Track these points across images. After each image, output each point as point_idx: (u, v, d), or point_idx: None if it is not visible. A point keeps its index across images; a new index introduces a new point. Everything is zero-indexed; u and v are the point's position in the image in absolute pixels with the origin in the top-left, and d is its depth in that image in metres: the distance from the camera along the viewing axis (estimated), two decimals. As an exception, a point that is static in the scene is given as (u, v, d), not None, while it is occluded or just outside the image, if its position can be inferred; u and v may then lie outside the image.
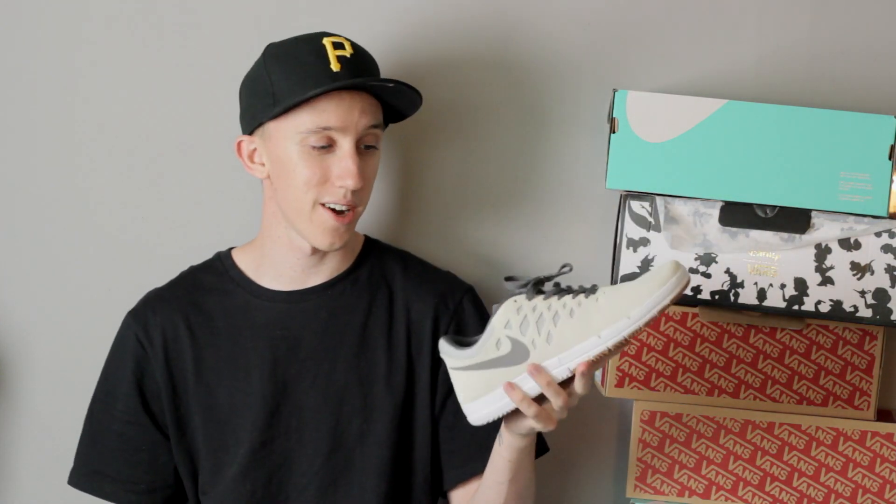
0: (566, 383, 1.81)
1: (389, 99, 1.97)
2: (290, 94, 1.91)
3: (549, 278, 1.84)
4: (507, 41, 2.18)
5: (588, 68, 2.18)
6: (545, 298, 1.82)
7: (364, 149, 1.95)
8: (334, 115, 1.92)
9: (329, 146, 1.93)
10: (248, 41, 2.13)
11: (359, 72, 1.94)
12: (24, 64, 2.20)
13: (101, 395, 2.05)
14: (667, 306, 1.77)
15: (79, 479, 2.06)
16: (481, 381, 1.84)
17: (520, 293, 1.84)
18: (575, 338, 1.79)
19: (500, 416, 1.84)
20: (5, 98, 2.21)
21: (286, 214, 1.97)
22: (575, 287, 1.84)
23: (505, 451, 1.90)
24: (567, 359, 1.80)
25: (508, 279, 1.86)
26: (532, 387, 1.81)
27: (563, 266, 1.84)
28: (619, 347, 1.80)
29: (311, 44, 1.95)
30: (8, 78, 2.20)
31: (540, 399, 1.81)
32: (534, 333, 1.81)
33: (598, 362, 1.81)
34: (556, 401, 1.80)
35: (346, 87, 1.92)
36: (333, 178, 1.93)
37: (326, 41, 1.94)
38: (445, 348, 1.85)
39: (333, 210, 1.94)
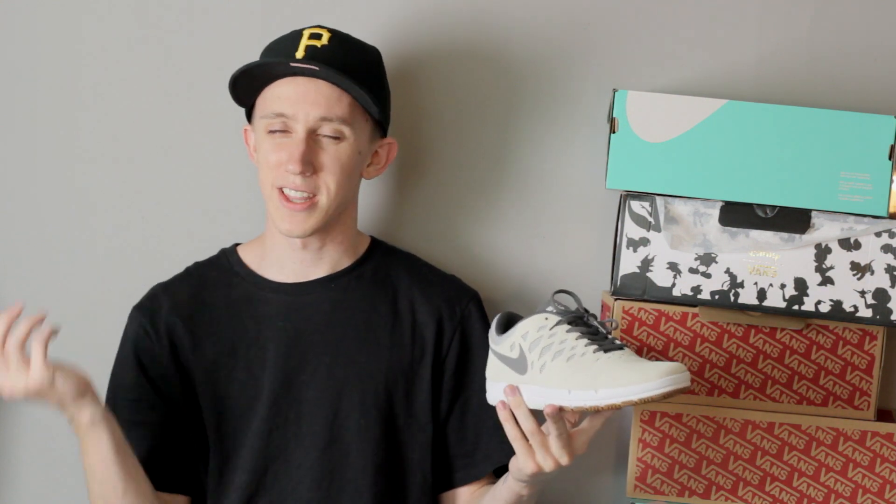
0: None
1: (349, 91, 1.96)
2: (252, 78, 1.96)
3: (590, 318, 1.85)
4: (506, 41, 2.18)
5: (588, 68, 2.18)
6: (568, 331, 1.83)
7: (325, 138, 1.95)
8: (287, 101, 1.94)
9: (287, 132, 1.95)
10: (248, 39, 2.13)
11: (322, 62, 1.94)
12: (23, 63, 2.20)
13: (115, 391, 2.03)
14: (636, 403, 1.76)
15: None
16: (496, 368, 1.88)
17: (555, 313, 1.85)
18: (556, 382, 1.81)
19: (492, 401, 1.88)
20: (5, 98, 2.21)
21: (265, 201, 1.99)
22: (610, 335, 1.85)
23: (505, 491, 1.92)
24: (545, 395, 1.81)
25: (560, 292, 1.88)
26: (525, 399, 1.83)
27: (611, 322, 1.86)
28: (586, 411, 1.80)
29: (294, 34, 1.98)
30: (8, 78, 2.20)
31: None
32: (536, 356, 1.83)
33: (586, 421, 1.82)
34: (526, 424, 1.81)
35: (261, 67, 1.94)
36: (284, 163, 1.95)
37: (307, 31, 1.97)
38: (493, 325, 1.90)
39: (287, 197, 1.95)
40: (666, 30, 2.17)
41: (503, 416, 1.83)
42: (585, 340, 1.82)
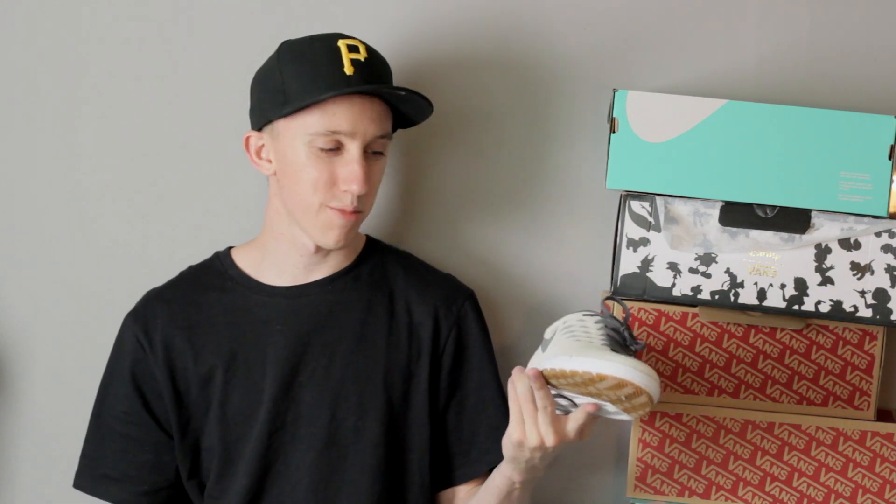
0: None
1: (400, 106, 1.97)
2: (301, 94, 1.91)
3: (623, 331, 1.87)
4: (506, 41, 2.18)
5: (588, 68, 2.18)
6: (600, 326, 1.87)
7: (371, 154, 1.95)
8: (344, 119, 1.91)
9: (337, 149, 1.93)
10: (252, 40, 2.13)
11: (372, 77, 1.93)
12: (24, 63, 2.20)
13: (104, 398, 2.06)
14: (594, 378, 1.77)
15: (84, 482, 2.06)
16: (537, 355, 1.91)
17: (600, 315, 1.88)
18: (553, 352, 1.84)
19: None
20: (5, 98, 2.21)
21: (292, 212, 1.97)
22: (625, 344, 1.86)
23: (498, 478, 1.94)
24: (538, 364, 1.85)
25: (611, 298, 1.95)
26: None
27: (640, 343, 1.88)
28: (557, 375, 1.82)
29: (325, 45, 1.94)
30: (8, 78, 2.20)
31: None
32: (558, 336, 1.87)
33: (576, 411, 1.83)
34: (522, 391, 1.83)
35: (358, 93, 1.91)
36: (339, 182, 1.93)
37: (341, 43, 1.94)
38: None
39: (341, 210, 1.94)
40: (666, 30, 2.17)
41: (509, 387, 1.86)
42: (605, 339, 1.84)
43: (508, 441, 1.86)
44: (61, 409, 2.22)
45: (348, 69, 1.92)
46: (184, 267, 2.09)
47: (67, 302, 2.22)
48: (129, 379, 2.03)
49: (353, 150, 1.93)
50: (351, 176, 1.92)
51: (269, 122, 1.96)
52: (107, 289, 2.21)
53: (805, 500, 2.08)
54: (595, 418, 1.84)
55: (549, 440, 1.82)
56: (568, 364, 1.79)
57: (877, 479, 2.08)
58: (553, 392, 1.84)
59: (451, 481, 2.06)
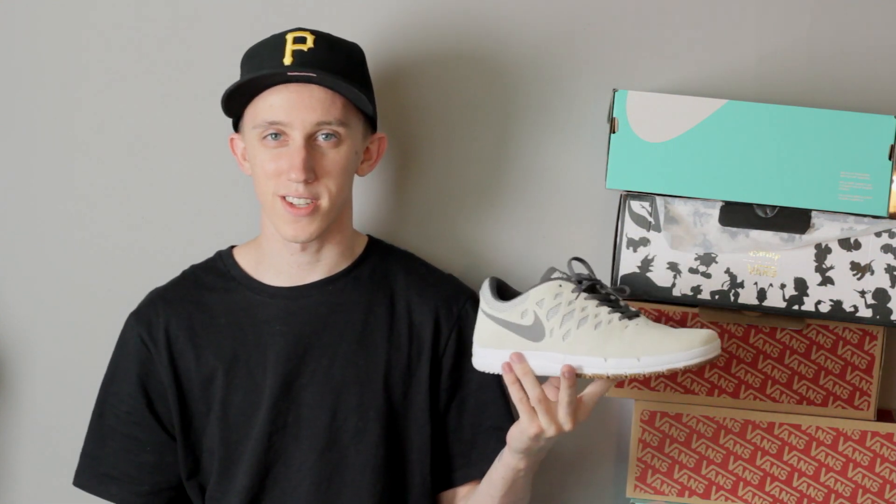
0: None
1: (346, 94, 1.95)
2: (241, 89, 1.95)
3: (603, 286, 1.88)
4: (507, 41, 2.18)
5: (588, 68, 2.18)
6: (587, 298, 1.85)
7: (323, 141, 1.95)
8: (280, 109, 1.93)
9: (283, 140, 1.94)
10: (246, 41, 2.13)
11: (311, 66, 1.93)
12: (23, 64, 2.20)
13: (106, 397, 2.05)
14: (680, 370, 1.79)
15: (84, 480, 2.06)
16: (496, 336, 1.89)
17: (569, 281, 1.87)
18: (585, 349, 1.83)
19: (494, 372, 1.89)
20: (6, 99, 2.21)
21: (262, 209, 1.98)
22: (622, 301, 1.87)
23: (502, 469, 1.94)
24: (572, 362, 1.83)
25: (575, 259, 1.91)
26: (536, 365, 1.85)
27: (622, 289, 1.89)
28: (619, 378, 1.84)
29: (276, 39, 1.97)
30: (8, 78, 2.20)
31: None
32: (556, 324, 1.85)
33: (594, 385, 1.85)
34: (532, 391, 1.84)
35: (287, 81, 1.92)
36: (284, 171, 1.94)
37: (290, 35, 1.95)
38: (485, 291, 1.91)
39: (291, 203, 1.95)
40: (666, 30, 2.17)
41: (509, 379, 1.86)
42: (607, 308, 1.85)
43: (522, 435, 1.87)
44: (61, 409, 2.22)
45: (287, 59, 1.93)
46: (185, 266, 2.09)
47: (67, 302, 2.22)
48: (133, 379, 2.03)
49: (295, 138, 1.93)
50: (289, 164, 1.93)
51: (239, 121, 2.00)
52: (107, 288, 2.21)
53: (805, 500, 2.08)
54: None
55: (568, 426, 1.84)
56: (640, 367, 1.80)
57: (877, 479, 2.08)
58: None
59: (451, 482, 2.06)
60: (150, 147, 2.21)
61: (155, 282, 2.09)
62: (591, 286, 1.87)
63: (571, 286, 1.86)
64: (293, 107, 1.93)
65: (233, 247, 2.09)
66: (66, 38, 2.20)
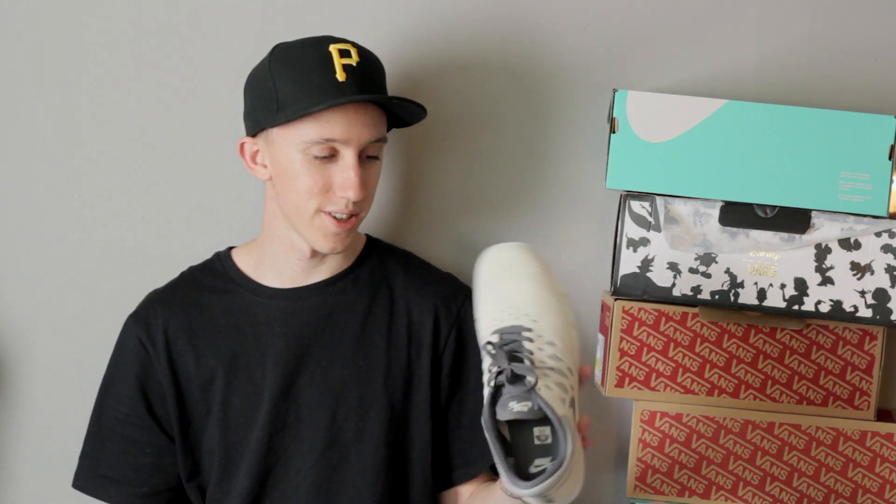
0: None
1: (394, 110, 1.97)
2: (293, 103, 1.90)
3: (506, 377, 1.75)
4: (506, 41, 2.18)
5: (588, 68, 2.18)
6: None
7: (367, 158, 1.95)
8: (338, 126, 1.91)
9: (332, 156, 1.93)
10: (249, 41, 2.13)
11: (364, 82, 1.93)
12: (25, 65, 2.20)
13: (105, 399, 2.05)
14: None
15: (83, 482, 2.06)
16: None
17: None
18: None
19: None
20: (6, 99, 2.21)
21: (288, 217, 1.97)
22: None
23: (500, 496, 1.87)
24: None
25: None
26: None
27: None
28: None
29: (317, 50, 1.93)
30: (9, 78, 2.20)
31: None
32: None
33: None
34: None
35: (350, 102, 1.91)
36: (335, 188, 1.93)
37: (333, 48, 1.93)
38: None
39: (335, 217, 1.94)
40: (666, 30, 2.17)
41: None
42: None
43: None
44: (61, 409, 2.22)
45: (340, 76, 1.92)
46: (184, 267, 2.09)
47: (67, 302, 2.22)
48: (133, 381, 2.03)
49: (348, 156, 1.93)
50: (347, 183, 1.92)
51: (263, 129, 1.96)
52: (107, 289, 2.21)
53: (805, 500, 2.08)
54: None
55: None
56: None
57: (877, 479, 2.08)
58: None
59: (452, 481, 2.06)
60: (150, 148, 2.21)
61: (155, 283, 2.08)
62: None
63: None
64: (351, 125, 1.92)
65: (231, 248, 2.09)
66: (66, 38, 2.20)
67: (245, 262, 2.06)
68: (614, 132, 2.04)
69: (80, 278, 2.22)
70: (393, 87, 2.09)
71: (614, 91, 2.04)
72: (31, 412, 2.23)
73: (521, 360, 1.71)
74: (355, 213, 1.95)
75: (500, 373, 1.71)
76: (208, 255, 2.09)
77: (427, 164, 2.20)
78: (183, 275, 2.09)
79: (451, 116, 2.19)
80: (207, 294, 2.05)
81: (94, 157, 2.21)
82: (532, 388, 1.68)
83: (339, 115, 1.91)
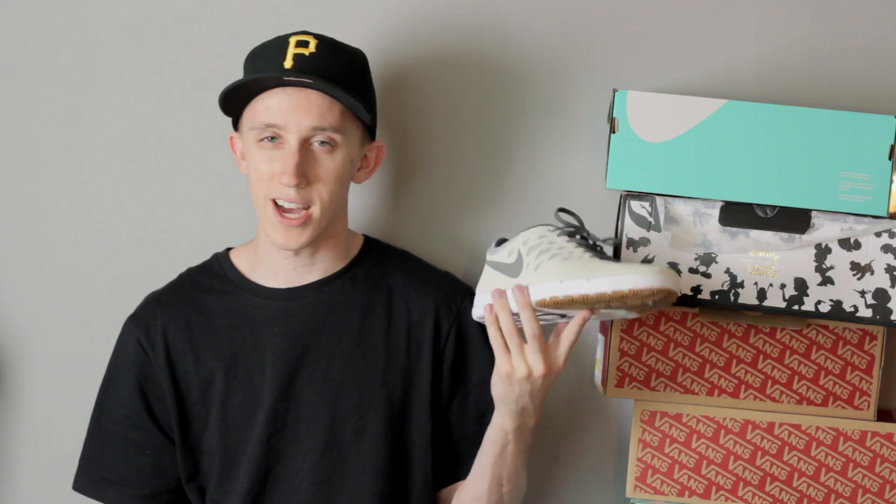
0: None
1: (340, 100, 1.95)
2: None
3: (587, 234, 1.93)
4: (506, 41, 2.18)
5: (588, 68, 2.18)
6: (568, 240, 1.91)
7: (319, 146, 1.95)
8: (277, 112, 1.92)
9: (278, 143, 1.94)
10: (251, 42, 2.13)
11: (311, 70, 1.92)
12: (27, 65, 2.20)
13: (105, 401, 2.05)
14: (626, 293, 1.80)
15: (83, 484, 2.06)
16: (487, 279, 1.96)
17: (555, 228, 1.93)
18: (549, 277, 1.86)
19: (478, 316, 1.97)
20: (7, 98, 2.21)
21: (255, 211, 1.98)
22: (599, 243, 1.92)
23: (490, 432, 1.94)
24: (536, 292, 1.87)
25: (563, 210, 1.96)
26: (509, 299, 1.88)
27: (608, 239, 1.95)
28: (572, 302, 1.83)
29: (279, 41, 1.96)
30: (10, 78, 2.20)
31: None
32: (532, 258, 1.89)
33: (569, 326, 1.86)
34: (506, 326, 1.86)
35: (286, 85, 1.91)
36: (277, 174, 1.94)
37: (293, 38, 1.95)
38: (492, 245, 2.00)
39: (281, 207, 1.94)
40: (666, 30, 2.17)
41: (488, 319, 1.88)
42: (583, 248, 1.89)
43: (497, 377, 1.89)
44: (61, 410, 2.22)
45: (288, 63, 1.93)
46: (183, 268, 2.09)
47: (67, 302, 2.22)
48: (132, 383, 2.03)
49: (288, 141, 1.93)
50: (282, 168, 1.93)
51: (238, 120, 1.99)
52: (107, 289, 2.21)
53: (805, 500, 2.08)
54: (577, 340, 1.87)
55: (539, 369, 1.85)
56: (588, 287, 1.82)
57: (877, 479, 2.08)
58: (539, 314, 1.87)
59: (454, 478, 2.06)
60: (151, 148, 2.21)
61: (155, 283, 2.09)
62: (576, 232, 1.92)
63: (558, 231, 1.92)
64: (289, 110, 1.92)
65: (229, 249, 2.09)
66: (66, 38, 2.20)
67: (243, 263, 2.06)
68: (614, 132, 2.04)
69: (80, 279, 2.22)
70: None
71: (614, 91, 2.04)
72: (31, 412, 2.24)
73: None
74: (304, 205, 1.94)
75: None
76: (207, 256, 2.09)
77: (426, 163, 2.20)
78: (181, 276, 2.09)
79: (450, 116, 2.19)
80: (206, 295, 2.05)
81: (94, 158, 2.21)
82: None
83: (279, 99, 1.92)
